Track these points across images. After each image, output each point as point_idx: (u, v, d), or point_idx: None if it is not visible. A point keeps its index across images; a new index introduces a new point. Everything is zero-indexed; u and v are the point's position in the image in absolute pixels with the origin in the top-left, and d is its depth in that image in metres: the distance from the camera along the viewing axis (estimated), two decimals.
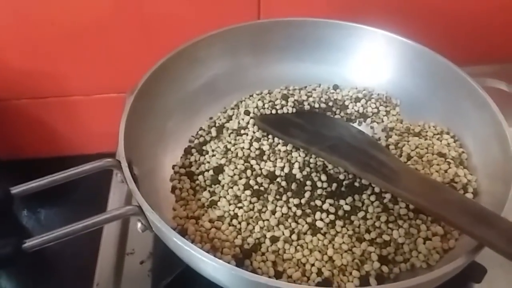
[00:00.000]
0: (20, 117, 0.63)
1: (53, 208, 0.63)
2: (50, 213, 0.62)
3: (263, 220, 0.42)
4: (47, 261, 0.49)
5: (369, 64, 0.54)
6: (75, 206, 0.61)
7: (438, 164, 0.45)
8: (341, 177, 0.45)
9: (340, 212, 0.42)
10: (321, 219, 0.42)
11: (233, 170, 0.45)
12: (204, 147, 0.49)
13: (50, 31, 0.54)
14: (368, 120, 0.52)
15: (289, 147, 0.47)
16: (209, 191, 0.45)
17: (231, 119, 0.51)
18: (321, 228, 0.41)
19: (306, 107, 0.52)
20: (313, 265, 0.39)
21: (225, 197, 0.43)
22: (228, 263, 0.33)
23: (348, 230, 0.41)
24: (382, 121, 0.52)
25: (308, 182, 0.44)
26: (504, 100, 0.61)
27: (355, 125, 0.52)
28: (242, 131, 0.49)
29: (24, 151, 0.65)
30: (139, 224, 0.36)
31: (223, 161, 0.46)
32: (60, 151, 0.67)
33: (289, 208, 0.42)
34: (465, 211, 0.35)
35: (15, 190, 0.35)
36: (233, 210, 0.42)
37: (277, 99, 0.52)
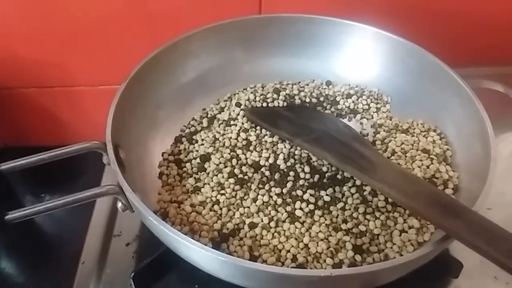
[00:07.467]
0: (27, 105, 0.65)
1: (55, 194, 0.65)
2: (53, 199, 0.64)
3: (244, 207, 0.43)
4: (36, 238, 0.51)
5: (362, 60, 0.54)
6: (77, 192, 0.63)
7: (421, 160, 0.45)
8: (324, 169, 0.45)
9: (320, 203, 0.43)
10: (301, 208, 0.43)
11: (219, 159, 0.46)
12: (194, 136, 0.50)
13: (58, 24, 0.57)
14: (358, 116, 0.53)
15: (275, 139, 0.48)
16: (194, 178, 0.46)
17: (223, 111, 0.52)
18: (300, 217, 0.42)
19: (297, 101, 0.52)
20: (288, 251, 0.40)
21: (209, 183, 0.45)
22: (205, 245, 0.34)
23: (326, 219, 0.42)
24: (372, 118, 0.53)
25: (291, 173, 0.45)
26: (500, 101, 0.62)
27: (345, 120, 0.53)
28: (232, 122, 0.50)
29: (29, 139, 0.67)
30: (119, 204, 0.38)
31: (210, 150, 0.47)
32: (63, 140, 0.68)
33: (271, 196, 0.43)
34: (435, 203, 0.36)
35: (4, 166, 0.37)
36: (215, 196, 0.44)
37: (268, 92, 0.53)
